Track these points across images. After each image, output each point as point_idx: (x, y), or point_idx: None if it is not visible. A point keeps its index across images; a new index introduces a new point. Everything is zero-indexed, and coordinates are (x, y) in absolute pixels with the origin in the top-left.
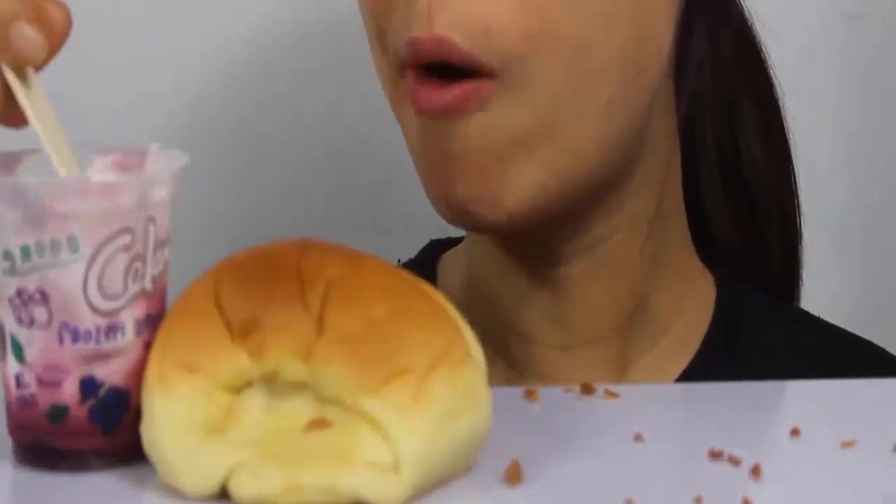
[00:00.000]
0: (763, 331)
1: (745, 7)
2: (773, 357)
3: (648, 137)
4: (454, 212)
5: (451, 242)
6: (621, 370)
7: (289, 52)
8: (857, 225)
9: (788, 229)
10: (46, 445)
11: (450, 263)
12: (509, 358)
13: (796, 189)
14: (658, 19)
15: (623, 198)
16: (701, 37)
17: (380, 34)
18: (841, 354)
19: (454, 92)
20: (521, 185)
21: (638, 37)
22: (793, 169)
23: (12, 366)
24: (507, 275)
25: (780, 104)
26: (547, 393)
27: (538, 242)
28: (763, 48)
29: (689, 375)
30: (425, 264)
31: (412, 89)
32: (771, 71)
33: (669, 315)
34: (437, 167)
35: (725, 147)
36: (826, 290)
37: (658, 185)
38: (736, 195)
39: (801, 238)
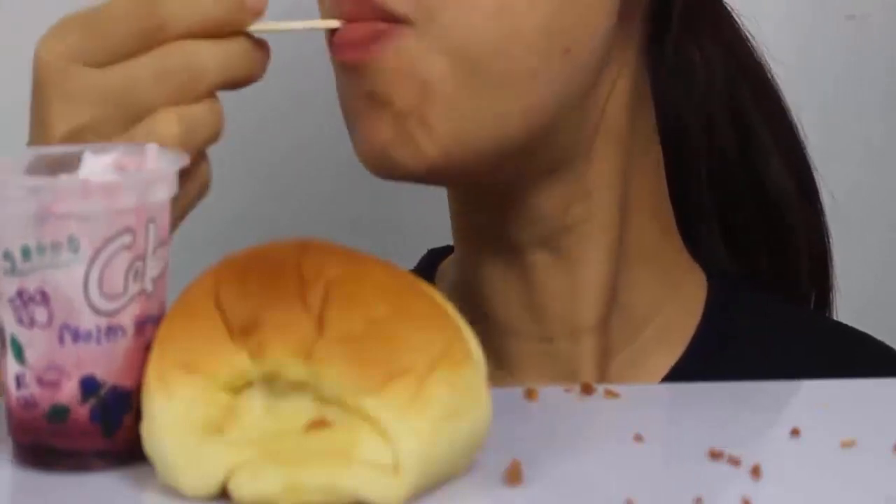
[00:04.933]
0: (757, 331)
1: (738, 22)
2: (768, 357)
3: (603, 128)
4: (375, 157)
5: (448, 250)
6: (602, 365)
7: (288, 52)
8: (857, 221)
9: (815, 247)
10: (47, 446)
11: (445, 270)
12: (496, 356)
13: (821, 207)
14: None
15: (585, 188)
16: (684, 40)
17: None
18: (841, 353)
19: (365, 28)
20: (441, 134)
21: (564, 13)
22: (815, 187)
23: (13, 366)
24: (483, 265)
25: (792, 119)
26: (547, 393)
27: (494, 226)
28: (765, 63)
29: (678, 373)
30: (423, 274)
31: (332, 35)
32: (776, 84)
33: (647, 310)
34: (358, 112)
35: (733, 159)
36: None
37: (625, 180)
38: (739, 204)
39: (830, 253)
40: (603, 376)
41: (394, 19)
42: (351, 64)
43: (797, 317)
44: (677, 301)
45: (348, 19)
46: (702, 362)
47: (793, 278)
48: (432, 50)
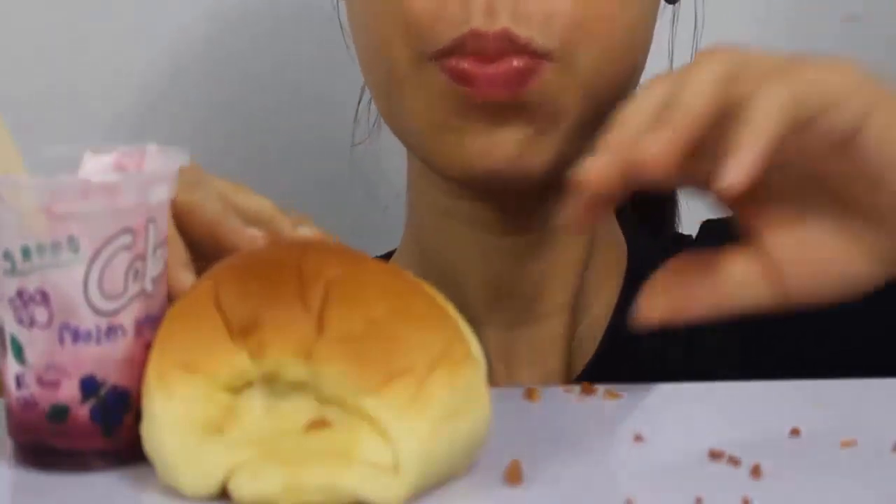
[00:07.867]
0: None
1: None
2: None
3: None
4: (488, 170)
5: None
6: (566, 349)
7: (289, 52)
8: None
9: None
10: (47, 446)
11: None
12: None
13: None
14: (656, 8)
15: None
16: None
17: (408, 28)
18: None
19: (514, 66)
20: (550, 156)
21: (651, 24)
22: None
23: (12, 366)
24: (458, 255)
25: None
26: (547, 393)
27: (487, 215)
28: None
29: (605, 344)
30: None
31: (470, 69)
32: None
33: (598, 288)
34: (475, 130)
35: None
36: None
37: None
38: None
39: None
40: (565, 359)
41: (539, 55)
42: (497, 100)
43: (682, 239)
44: (615, 270)
45: (491, 57)
46: (621, 327)
47: (668, 215)
48: (570, 84)
